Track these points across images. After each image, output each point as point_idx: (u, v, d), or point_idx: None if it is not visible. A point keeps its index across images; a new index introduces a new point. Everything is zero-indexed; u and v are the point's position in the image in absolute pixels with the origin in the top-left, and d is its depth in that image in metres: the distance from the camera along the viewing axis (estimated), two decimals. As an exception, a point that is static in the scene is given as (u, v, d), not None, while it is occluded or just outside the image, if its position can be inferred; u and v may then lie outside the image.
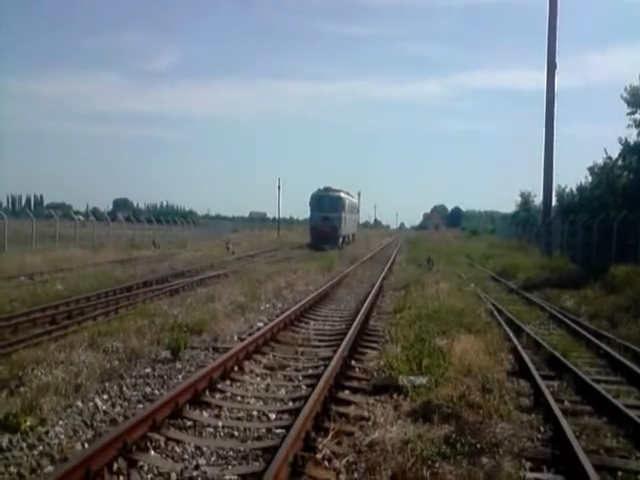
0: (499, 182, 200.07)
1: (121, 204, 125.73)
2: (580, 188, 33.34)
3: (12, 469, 4.88)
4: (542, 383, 7.58)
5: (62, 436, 5.60)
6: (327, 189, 43.62)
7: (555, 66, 28.97)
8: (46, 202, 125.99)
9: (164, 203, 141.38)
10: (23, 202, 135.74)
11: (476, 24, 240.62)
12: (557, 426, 6.04)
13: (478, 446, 5.45)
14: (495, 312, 13.73)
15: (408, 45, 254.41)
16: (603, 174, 28.46)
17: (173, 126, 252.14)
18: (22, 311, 12.79)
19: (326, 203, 42.16)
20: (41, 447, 5.31)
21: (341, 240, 42.95)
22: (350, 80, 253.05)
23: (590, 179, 30.99)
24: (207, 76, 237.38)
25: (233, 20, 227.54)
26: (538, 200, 46.09)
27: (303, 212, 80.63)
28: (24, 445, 5.32)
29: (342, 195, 44.35)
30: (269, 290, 16.42)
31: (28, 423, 5.62)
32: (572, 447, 5.37)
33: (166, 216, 55.66)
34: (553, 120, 28.95)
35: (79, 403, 6.52)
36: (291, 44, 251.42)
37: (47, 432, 5.63)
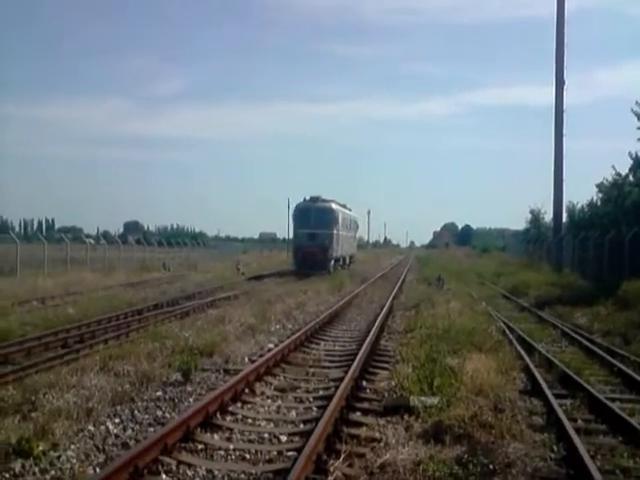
0: (509, 199, 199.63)
1: (132, 227, 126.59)
2: (590, 204, 33.24)
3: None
4: (555, 402, 7.52)
5: (74, 460, 5.61)
6: (315, 199, 34.57)
7: (564, 82, 29.13)
8: (57, 226, 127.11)
9: (174, 225, 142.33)
10: (35, 226, 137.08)
11: (481, 41, 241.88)
12: (571, 445, 5.98)
13: (490, 467, 5.40)
14: (507, 330, 13.65)
15: (413, 64, 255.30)
16: (613, 190, 28.35)
17: (181, 149, 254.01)
18: (34, 335, 12.86)
19: (313, 216, 33.61)
20: (53, 472, 5.33)
21: (333, 263, 34.66)
22: (355, 100, 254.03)
23: (600, 195, 30.90)
24: (213, 98, 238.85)
25: (236, 42, 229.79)
26: (548, 217, 45.83)
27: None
28: (37, 470, 5.34)
29: (334, 207, 35.25)
30: (279, 311, 16.43)
31: (40, 448, 5.64)
32: (587, 467, 5.31)
33: (176, 238, 56.04)
34: (562, 136, 29.07)
35: (91, 427, 6.54)
36: (295, 65, 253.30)
37: (59, 457, 5.65)
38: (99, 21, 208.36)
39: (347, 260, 41.54)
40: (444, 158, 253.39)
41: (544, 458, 5.89)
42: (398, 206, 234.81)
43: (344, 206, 39.77)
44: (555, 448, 6.20)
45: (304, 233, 33.65)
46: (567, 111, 29.12)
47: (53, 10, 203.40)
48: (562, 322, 15.31)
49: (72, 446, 5.94)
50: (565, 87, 29.14)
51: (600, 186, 29.88)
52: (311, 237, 33.16)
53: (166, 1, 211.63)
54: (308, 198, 34.78)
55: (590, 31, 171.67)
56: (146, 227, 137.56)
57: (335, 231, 34.36)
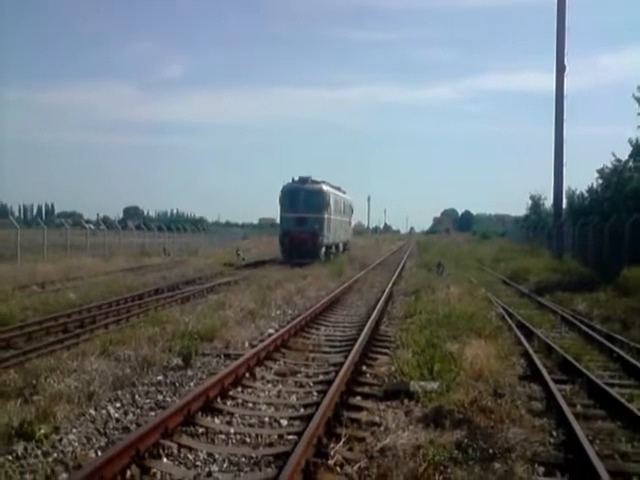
0: (509, 185, 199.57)
1: (131, 212, 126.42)
2: (590, 190, 33.15)
3: (28, 476, 4.93)
4: (554, 387, 7.54)
5: (76, 444, 5.64)
6: (304, 180, 31.73)
7: (564, 68, 28.89)
8: (57, 211, 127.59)
9: (174, 211, 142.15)
10: (34, 211, 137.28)
11: (487, 26, 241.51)
12: (570, 430, 6.01)
13: (490, 451, 5.43)
14: (506, 316, 13.67)
15: (419, 49, 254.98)
16: (613, 176, 28.28)
17: (183, 134, 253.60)
18: (35, 320, 12.91)
19: (302, 199, 31.10)
20: (55, 455, 5.36)
21: (324, 251, 31.86)
22: (361, 85, 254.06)
23: (600, 182, 30.82)
24: (217, 84, 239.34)
25: (244, 29, 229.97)
26: (549, 203, 45.82)
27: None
28: (39, 452, 5.36)
29: (325, 188, 32.29)
30: (279, 296, 16.45)
31: (42, 431, 5.67)
32: (585, 452, 5.34)
33: (176, 224, 55.88)
34: (563, 122, 28.87)
35: (92, 411, 6.56)
36: (302, 51, 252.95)
37: (61, 440, 5.67)
38: (103, 6, 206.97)
39: (340, 247, 38.60)
40: (446, 143, 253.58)
41: (543, 443, 5.91)
42: (398, 192, 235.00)
43: (338, 188, 37.21)
44: (554, 433, 6.23)
45: (292, 217, 31.08)
46: (568, 97, 28.92)
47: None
48: (562, 308, 15.34)
49: (73, 429, 5.97)
50: (566, 73, 28.92)
51: (601, 172, 29.81)
52: (299, 222, 30.69)
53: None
54: (297, 179, 31.90)
55: (594, 15, 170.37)
56: (146, 212, 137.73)
57: (326, 215, 31.72)
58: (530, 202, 57.29)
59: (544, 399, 7.42)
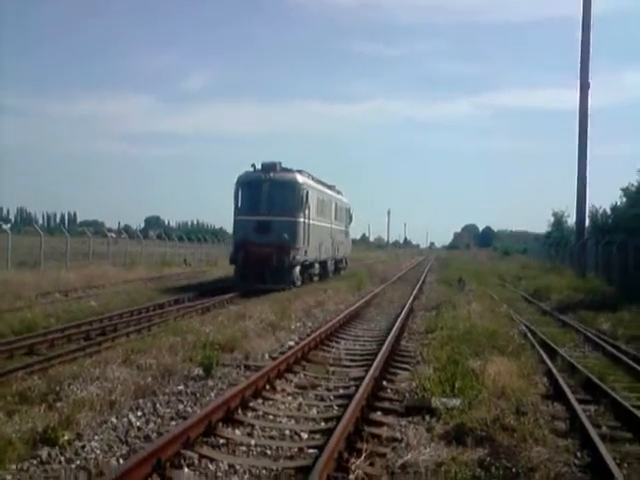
0: (531, 202, 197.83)
1: (153, 222, 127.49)
2: (614, 208, 32.83)
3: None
4: (578, 407, 7.42)
5: (98, 451, 5.68)
6: (269, 166, 22.33)
7: (588, 85, 28.70)
8: (79, 220, 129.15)
9: (195, 221, 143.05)
10: (58, 219, 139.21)
11: (506, 42, 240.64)
12: (596, 452, 5.89)
13: (513, 470, 5.35)
14: (528, 334, 13.51)
15: (438, 64, 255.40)
16: (638, 194, 27.95)
17: (204, 145, 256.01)
18: (58, 327, 13.05)
19: (265, 195, 21.81)
20: (78, 461, 5.40)
21: (299, 271, 22.67)
22: (380, 99, 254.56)
23: (624, 200, 30.49)
24: (234, 96, 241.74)
25: (265, 42, 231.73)
26: (571, 220, 45.37)
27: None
28: (62, 459, 5.41)
29: (301, 179, 22.76)
30: (299, 309, 16.44)
31: (66, 437, 5.73)
32: (613, 475, 5.23)
33: (197, 234, 56.19)
34: (586, 139, 28.62)
35: (114, 419, 6.60)
36: (321, 64, 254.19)
37: (83, 447, 5.72)
38: (126, 20, 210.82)
39: (330, 266, 28.55)
40: (466, 158, 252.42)
41: (568, 464, 5.81)
42: (419, 206, 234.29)
43: (324, 184, 27.54)
44: (579, 454, 6.12)
45: (249, 222, 21.91)
46: (592, 114, 28.71)
47: (82, 10, 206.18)
48: (585, 327, 15.12)
49: (96, 437, 6.01)
50: (590, 89, 28.75)
51: (625, 190, 29.50)
52: (260, 228, 21.49)
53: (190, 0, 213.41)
54: (259, 167, 22.50)
55: (618, 32, 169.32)
56: (167, 222, 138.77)
57: (302, 219, 22.34)
58: (552, 219, 56.79)
59: (568, 419, 7.30)
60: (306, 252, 22.90)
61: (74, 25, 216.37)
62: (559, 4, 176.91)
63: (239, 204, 22.52)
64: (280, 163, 22.73)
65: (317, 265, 25.66)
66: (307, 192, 22.86)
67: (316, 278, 25.54)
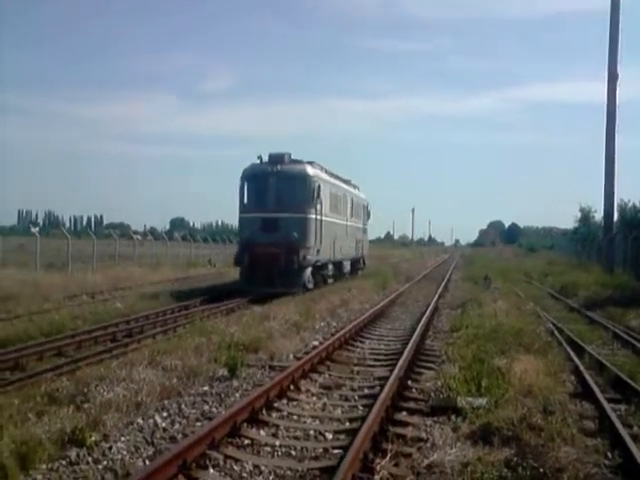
0: (557, 197, 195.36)
1: (177, 223, 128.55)
2: (644, 202, 32.24)
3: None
4: (607, 406, 7.29)
5: (124, 452, 5.74)
6: (276, 158, 20.47)
7: (617, 76, 28.14)
8: (105, 222, 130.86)
9: (219, 222, 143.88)
10: (84, 222, 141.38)
11: (530, 36, 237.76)
12: (627, 453, 5.77)
13: (541, 470, 5.27)
14: (555, 331, 13.32)
15: (462, 60, 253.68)
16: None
17: (226, 146, 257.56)
18: (85, 329, 13.23)
19: (273, 189, 20.15)
20: (105, 462, 5.46)
21: (310, 273, 20.78)
22: (404, 96, 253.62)
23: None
24: (261, 96, 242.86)
25: (286, 41, 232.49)
26: (599, 215, 44.57)
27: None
28: (90, 459, 5.48)
29: (312, 172, 20.90)
30: (323, 308, 16.43)
31: (93, 438, 5.81)
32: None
33: (221, 235, 56.50)
34: (614, 133, 28.05)
35: (140, 420, 6.67)
36: (344, 62, 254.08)
37: (110, 448, 5.78)
38: (146, 20, 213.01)
39: (347, 267, 26.97)
40: (491, 155, 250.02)
41: (598, 464, 5.70)
42: (443, 204, 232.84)
43: (339, 177, 25.66)
44: (609, 455, 6.01)
45: (255, 219, 20.32)
46: (620, 106, 28.14)
47: (98, 10, 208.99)
48: (613, 324, 14.85)
49: (122, 438, 6.08)
50: (618, 81, 28.19)
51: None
52: (267, 226, 19.90)
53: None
54: (266, 159, 20.58)
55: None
56: (192, 224, 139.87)
57: (313, 215, 20.58)
58: (579, 214, 55.90)
59: (597, 418, 7.17)
60: (318, 252, 21.07)
61: (88, 25, 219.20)
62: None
63: (244, 200, 20.87)
64: (289, 154, 20.76)
65: (331, 266, 23.88)
66: (319, 186, 21.02)
67: (330, 280, 23.80)
